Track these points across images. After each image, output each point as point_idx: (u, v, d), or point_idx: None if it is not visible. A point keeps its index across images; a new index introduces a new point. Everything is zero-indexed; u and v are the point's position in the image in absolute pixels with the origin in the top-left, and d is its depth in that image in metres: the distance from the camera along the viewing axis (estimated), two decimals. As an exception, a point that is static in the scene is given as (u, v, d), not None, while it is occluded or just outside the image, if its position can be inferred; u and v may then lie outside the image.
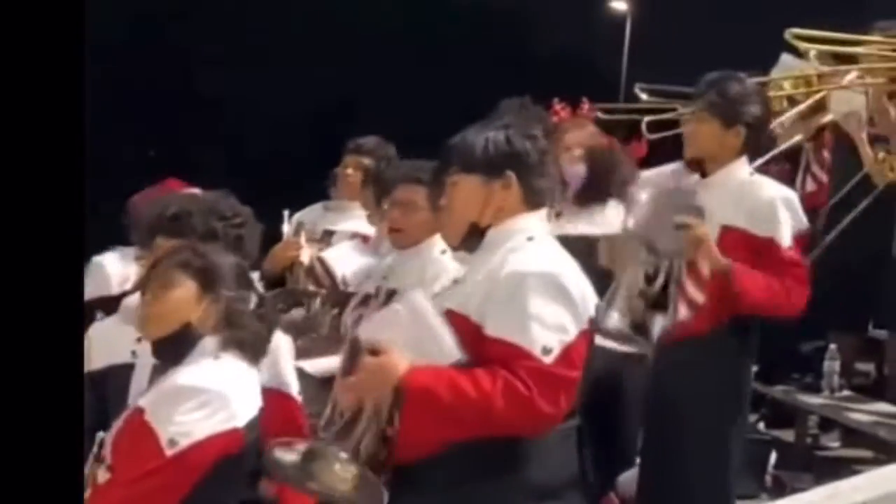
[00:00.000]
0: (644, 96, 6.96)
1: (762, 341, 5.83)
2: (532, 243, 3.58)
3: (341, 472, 3.49)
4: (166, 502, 3.39)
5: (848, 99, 6.21)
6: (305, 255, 5.50)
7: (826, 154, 6.89)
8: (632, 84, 7.86)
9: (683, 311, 4.96)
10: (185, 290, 3.57)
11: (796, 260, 4.98)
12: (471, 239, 3.67)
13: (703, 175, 5.13)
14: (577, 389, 3.49)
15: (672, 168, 5.52)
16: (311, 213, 6.33)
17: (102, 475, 3.51)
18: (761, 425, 7.07)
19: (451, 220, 3.72)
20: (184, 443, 3.37)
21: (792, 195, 5.09)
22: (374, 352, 3.47)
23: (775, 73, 6.65)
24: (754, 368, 6.88)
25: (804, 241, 5.10)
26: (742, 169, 5.10)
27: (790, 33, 5.64)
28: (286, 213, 5.88)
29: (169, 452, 3.36)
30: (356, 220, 6.10)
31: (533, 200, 3.66)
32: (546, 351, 3.40)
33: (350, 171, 6.22)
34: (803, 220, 5.05)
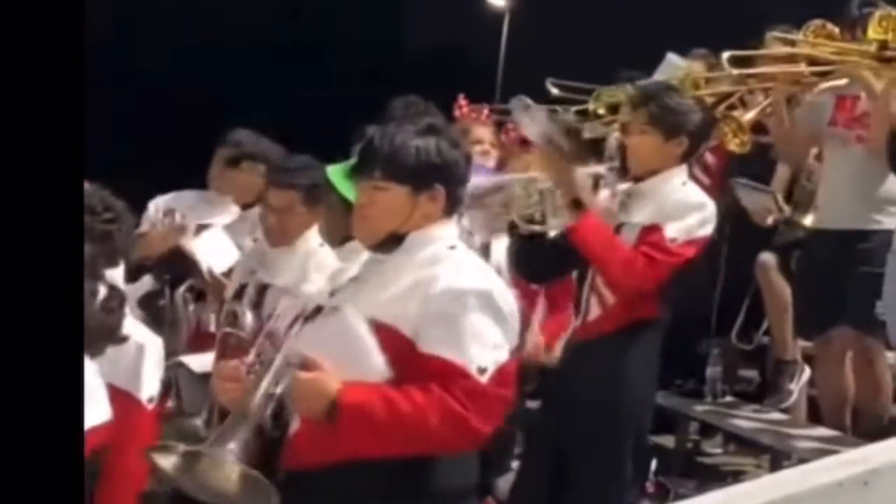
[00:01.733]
0: (555, 90, 6.86)
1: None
2: (454, 252, 3.58)
3: (227, 472, 3.37)
4: None
5: None
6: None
7: (711, 158, 6.82)
8: (509, 81, 7.84)
9: (594, 310, 5.04)
10: None
11: (667, 248, 4.91)
12: (387, 242, 3.61)
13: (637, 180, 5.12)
14: (508, 409, 3.49)
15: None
16: (180, 201, 6.05)
17: None
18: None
19: (371, 224, 3.63)
20: None
21: (711, 207, 5.05)
22: (307, 367, 3.38)
23: (660, 73, 6.55)
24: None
25: (699, 248, 4.99)
26: (678, 177, 5.10)
27: None
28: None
29: None
30: (230, 214, 5.90)
31: (452, 208, 3.64)
32: (481, 370, 3.38)
33: (223, 169, 6.00)
34: (709, 230, 5.01)
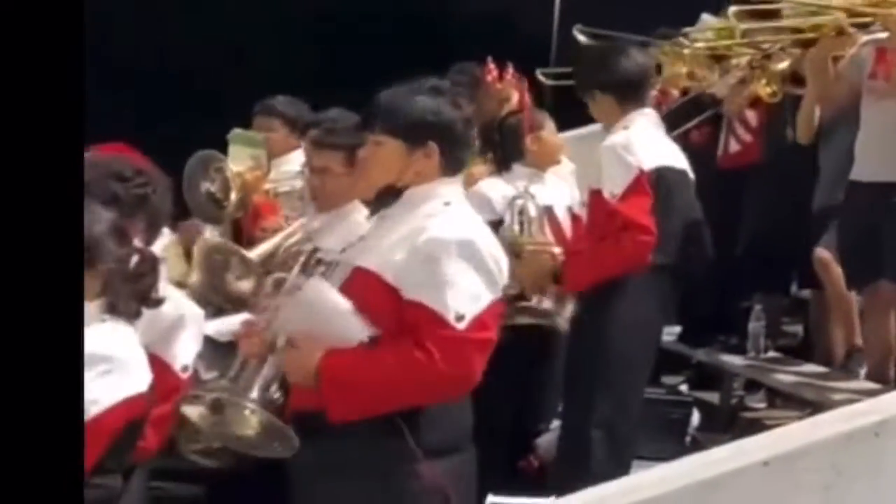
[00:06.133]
0: (583, 38, 6.85)
1: (687, 303, 5.79)
2: (449, 208, 3.66)
3: (251, 419, 3.66)
4: None
5: None
6: None
7: (750, 113, 6.79)
8: (563, 46, 7.82)
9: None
10: None
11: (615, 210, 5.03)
12: (386, 196, 3.76)
13: None
14: (490, 350, 3.59)
15: None
16: None
17: None
18: (684, 387, 7.05)
19: (367, 177, 3.85)
20: (93, 411, 3.31)
21: None
22: (292, 344, 3.62)
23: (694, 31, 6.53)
24: (677, 329, 6.91)
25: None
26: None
27: None
28: None
29: None
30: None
31: (452, 168, 3.73)
32: (459, 318, 3.50)
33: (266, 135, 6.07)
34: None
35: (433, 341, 3.49)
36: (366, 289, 3.61)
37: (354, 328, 3.56)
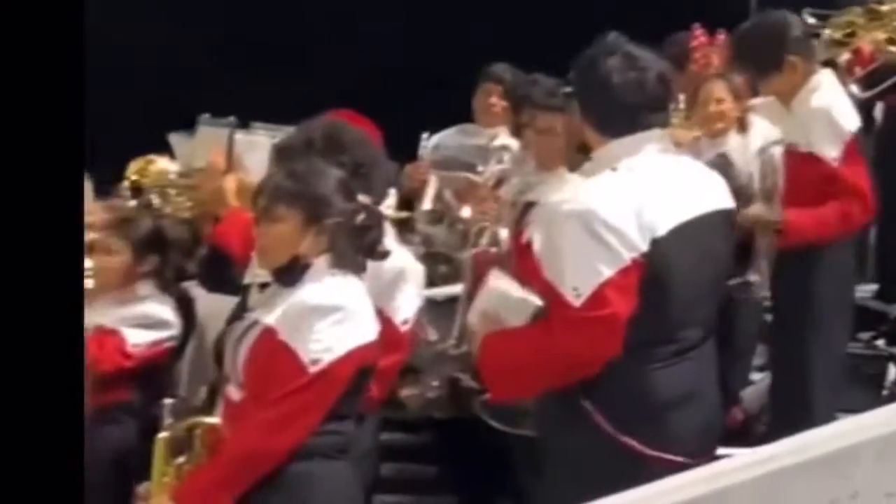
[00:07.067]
0: (812, 20, 6.91)
1: (884, 261, 5.85)
2: (603, 176, 3.65)
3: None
4: (312, 417, 3.55)
5: None
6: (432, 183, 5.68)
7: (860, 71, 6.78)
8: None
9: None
10: (288, 224, 3.66)
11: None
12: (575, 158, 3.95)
13: None
14: (623, 322, 3.50)
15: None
16: (448, 138, 6.33)
17: (235, 393, 3.70)
18: (881, 342, 7.08)
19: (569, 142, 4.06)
20: (326, 359, 3.53)
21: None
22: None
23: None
24: (874, 286, 6.97)
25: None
26: None
27: None
28: (424, 135, 6.08)
29: (312, 370, 3.52)
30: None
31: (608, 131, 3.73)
32: (576, 294, 3.48)
33: (494, 99, 6.25)
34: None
35: (556, 320, 3.52)
36: (528, 260, 3.75)
37: (531, 301, 3.64)
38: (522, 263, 3.94)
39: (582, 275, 3.46)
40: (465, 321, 4.33)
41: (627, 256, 3.47)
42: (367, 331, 3.65)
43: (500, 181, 5.54)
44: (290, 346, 3.54)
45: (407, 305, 4.25)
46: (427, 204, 5.68)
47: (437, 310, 4.87)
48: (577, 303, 3.46)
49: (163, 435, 3.75)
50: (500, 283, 3.74)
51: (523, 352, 3.59)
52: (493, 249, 4.95)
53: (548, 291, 3.55)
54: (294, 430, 3.53)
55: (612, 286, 3.45)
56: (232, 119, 4.65)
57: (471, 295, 4.30)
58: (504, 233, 4.98)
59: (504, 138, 5.92)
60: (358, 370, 3.62)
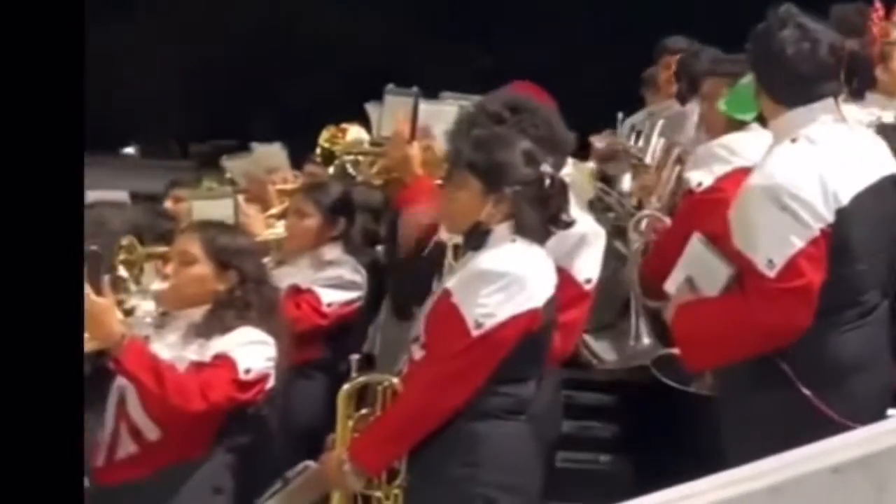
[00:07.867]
0: None
1: None
2: (783, 146, 3.74)
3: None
4: (474, 378, 3.68)
5: None
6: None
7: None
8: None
9: None
10: (468, 191, 3.79)
11: None
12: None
13: None
14: (816, 292, 3.59)
15: None
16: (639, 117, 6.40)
17: (418, 352, 3.85)
18: None
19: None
20: (488, 324, 3.64)
21: None
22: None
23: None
24: None
25: None
26: None
27: None
28: (620, 115, 6.16)
29: (475, 333, 3.65)
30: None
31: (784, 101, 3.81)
32: (769, 265, 3.56)
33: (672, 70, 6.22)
34: None
35: (751, 291, 3.59)
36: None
37: (724, 269, 3.70)
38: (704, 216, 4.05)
39: (775, 246, 3.57)
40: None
41: (816, 227, 3.58)
42: (531, 297, 3.73)
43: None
44: (459, 308, 3.69)
45: (588, 267, 4.34)
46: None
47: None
48: (771, 273, 3.55)
49: (346, 388, 3.95)
50: (698, 248, 3.80)
51: (720, 323, 3.68)
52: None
53: (740, 260, 3.64)
54: (458, 390, 3.68)
55: (804, 257, 3.56)
56: (415, 89, 4.80)
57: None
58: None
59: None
60: (524, 335, 3.71)
